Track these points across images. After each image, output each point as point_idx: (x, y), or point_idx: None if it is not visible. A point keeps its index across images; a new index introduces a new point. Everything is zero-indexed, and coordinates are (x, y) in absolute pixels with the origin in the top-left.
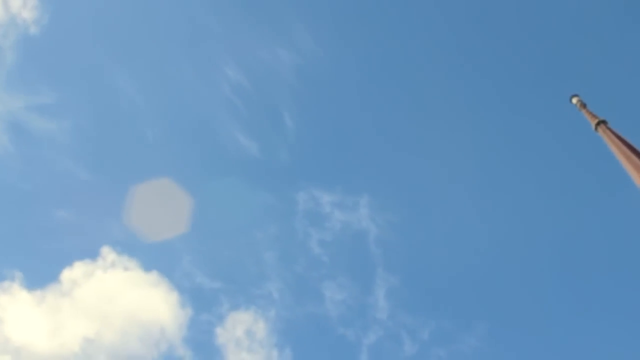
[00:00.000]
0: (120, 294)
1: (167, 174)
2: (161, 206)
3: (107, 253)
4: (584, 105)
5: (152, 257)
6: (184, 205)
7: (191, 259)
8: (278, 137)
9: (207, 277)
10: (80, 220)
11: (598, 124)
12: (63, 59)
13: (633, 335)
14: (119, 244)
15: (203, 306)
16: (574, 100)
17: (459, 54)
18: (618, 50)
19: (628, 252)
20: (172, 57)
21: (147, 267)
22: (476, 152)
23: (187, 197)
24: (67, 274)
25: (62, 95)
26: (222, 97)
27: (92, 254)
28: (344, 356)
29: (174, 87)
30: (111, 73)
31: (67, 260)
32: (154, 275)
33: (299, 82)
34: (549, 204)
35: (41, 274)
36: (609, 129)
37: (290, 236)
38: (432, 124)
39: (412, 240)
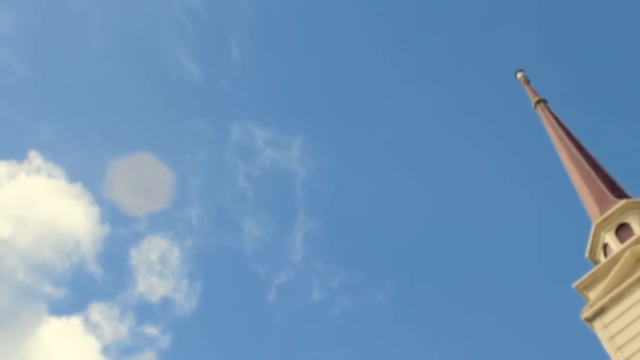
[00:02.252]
0: (41, 201)
1: (105, 83)
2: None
3: (34, 157)
4: (527, 81)
5: (78, 169)
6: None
7: (114, 171)
8: (222, 65)
9: (128, 193)
10: (11, 118)
11: (538, 102)
12: None
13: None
14: (48, 150)
15: (121, 222)
16: (519, 75)
17: (407, 13)
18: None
19: (540, 226)
20: None
21: (72, 177)
22: (414, 116)
23: (120, 112)
24: None
25: None
26: (171, 15)
27: (18, 156)
28: (253, 292)
29: None
30: None
31: None
32: (77, 187)
33: (252, 13)
34: (478, 173)
35: None
36: (548, 108)
37: (218, 165)
38: (376, 83)
39: (338, 189)
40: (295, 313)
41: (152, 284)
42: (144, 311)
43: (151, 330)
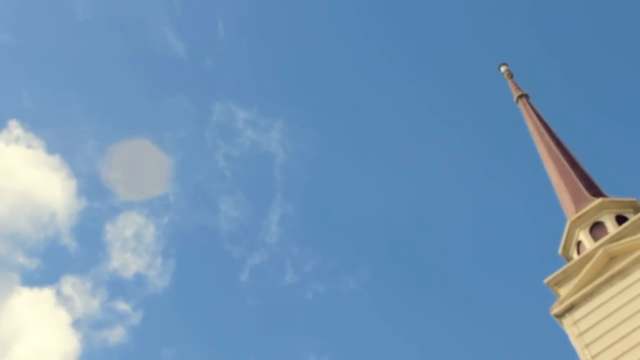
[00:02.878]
0: (19, 171)
1: (89, 55)
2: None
3: (14, 127)
4: (510, 75)
5: (58, 140)
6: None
7: (94, 144)
8: (207, 44)
9: (106, 165)
10: None
11: (520, 96)
12: None
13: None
14: (28, 120)
15: (98, 196)
16: (502, 69)
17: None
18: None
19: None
20: None
21: (51, 149)
22: (397, 105)
23: (102, 86)
24: None
25: None
26: None
27: None
28: (226, 272)
29: None
30: None
31: None
32: (56, 159)
33: None
34: (458, 164)
35: None
36: (529, 103)
37: (198, 144)
38: (360, 71)
39: (317, 175)
40: (268, 295)
41: (125, 260)
42: (117, 287)
43: (123, 306)
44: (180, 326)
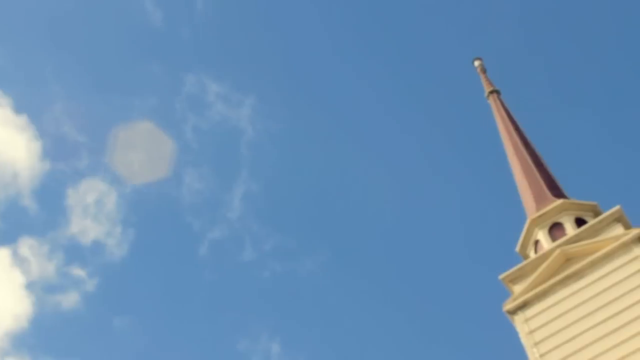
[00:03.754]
0: None
1: (63, 15)
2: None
3: None
4: (484, 70)
5: (27, 100)
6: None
7: (62, 107)
8: (185, 14)
9: (74, 128)
10: None
11: (491, 92)
12: None
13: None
14: None
15: (62, 160)
16: (476, 64)
17: None
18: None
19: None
20: None
21: (19, 108)
22: (371, 92)
23: (75, 48)
24: None
25: None
26: None
27: None
28: (184, 245)
29: None
30: None
31: None
32: (23, 119)
33: None
34: (426, 156)
35: None
36: (500, 100)
37: (167, 113)
38: (336, 55)
39: (284, 154)
40: (225, 271)
41: (85, 226)
42: (74, 252)
43: (78, 272)
44: (134, 296)
